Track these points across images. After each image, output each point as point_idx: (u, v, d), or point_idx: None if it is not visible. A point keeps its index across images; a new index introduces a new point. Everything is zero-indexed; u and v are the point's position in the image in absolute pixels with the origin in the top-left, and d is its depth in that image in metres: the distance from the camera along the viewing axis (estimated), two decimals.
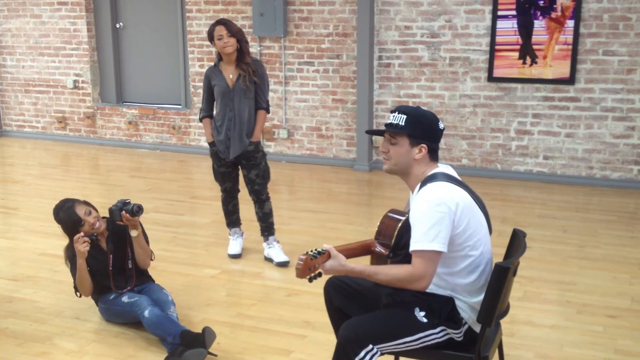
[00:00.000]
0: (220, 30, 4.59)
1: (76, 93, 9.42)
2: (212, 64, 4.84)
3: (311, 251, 2.61)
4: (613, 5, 6.66)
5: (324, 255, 2.62)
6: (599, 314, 4.10)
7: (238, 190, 5.03)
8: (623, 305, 4.21)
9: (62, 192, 6.57)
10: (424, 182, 2.67)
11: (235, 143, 4.75)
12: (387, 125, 2.75)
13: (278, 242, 5.02)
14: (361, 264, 2.68)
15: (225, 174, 4.91)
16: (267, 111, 4.89)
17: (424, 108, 2.81)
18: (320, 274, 2.65)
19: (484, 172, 7.40)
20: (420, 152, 2.69)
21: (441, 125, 2.74)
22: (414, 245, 2.58)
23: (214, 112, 4.88)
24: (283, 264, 4.87)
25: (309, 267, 2.59)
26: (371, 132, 2.88)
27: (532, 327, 3.94)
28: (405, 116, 2.68)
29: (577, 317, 4.06)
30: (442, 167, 2.75)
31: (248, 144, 4.77)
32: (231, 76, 4.71)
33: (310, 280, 2.64)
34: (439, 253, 2.57)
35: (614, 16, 6.68)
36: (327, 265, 2.61)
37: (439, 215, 2.55)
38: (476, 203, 2.69)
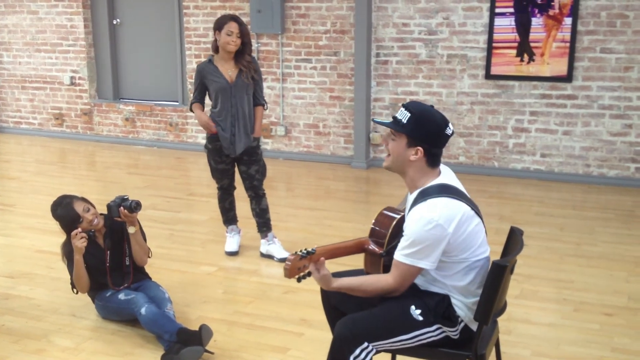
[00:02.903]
0: (233, 27, 4.57)
1: (73, 90, 9.40)
2: (206, 59, 4.81)
3: (300, 251, 2.61)
4: (611, 2, 6.66)
5: (313, 255, 2.61)
6: (595, 312, 4.10)
7: (234, 188, 5.03)
8: (620, 303, 4.22)
9: (59, 188, 6.53)
10: (423, 195, 2.61)
11: (240, 139, 4.74)
12: (393, 118, 2.67)
13: (275, 237, 5.02)
14: (342, 279, 2.69)
15: (224, 171, 4.90)
16: (265, 107, 4.90)
17: (436, 109, 2.68)
18: (309, 274, 2.65)
19: (481, 170, 7.40)
20: (415, 154, 2.60)
21: (449, 131, 2.62)
22: (402, 258, 2.58)
23: (211, 108, 4.86)
24: (285, 260, 4.85)
25: (297, 267, 2.59)
26: (378, 122, 2.74)
27: (529, 325, 3.94)
28: (409, 114, 2.59)
29: (574, 315, 4.06)
30: (443, 175, 2.69)
31: (253, 140, 4.78)
32: (230, 72, 4.69)
33: (299, 280, 2.64)
34: (422, 269, 2.60)
35: (612, 14, 6.68)
36: (316, 275, 2.65)
37: (434, 237, 2.53)
38: (475, 211, 2.65)
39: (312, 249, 2.63)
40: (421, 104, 2.69)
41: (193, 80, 4.85)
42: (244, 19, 7.90)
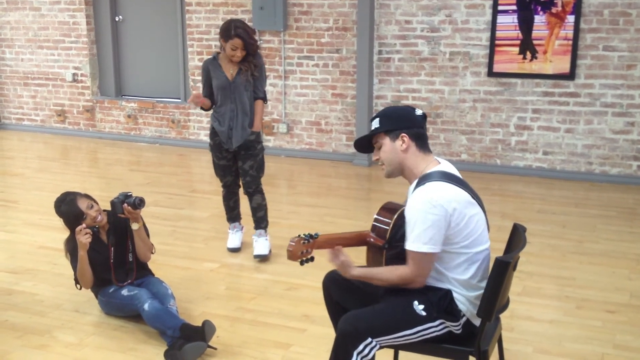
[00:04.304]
0: (238, 44, 4.55)
1: (75, 86, 9.40)
2: (211, 56, 4.83)
3: (303, 235, 2.62)
4: (613, 0, 6.66)
5: (317, 239, 2.63)
6: (597, 309, 4.11)
7: (239, 186, 5.03)
8: (622, 300, 4.22)
9: (62, 185, 6.56)
10: (422, 180, 2.67)
11: (237, 132, 4.75)
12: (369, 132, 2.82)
13: (264, 235, 4.96)
14: (361, 268, 2.73)
15: (226, 167, 4.91)
16: (265, 101, 4.90)
17: (401, 104, 2.83)
18: (312, 259, 2.68)
19: (483, 168, 7.40)
20: (403, 142, 2.70)
21: (418, 112, 2.75)
22: (408, 245, 2.63)
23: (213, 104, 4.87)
24: (259, 257, 4.87)
25: (300, 251, 2.61)
26: (361, 150, 2.88)
27: (532, 322, 3.95)
28: (378, 118, 2.76)
29: (576, 312, 4.07)
30: (442, 165, 2.74)
31: (250, 133, 4.78)
32: (231, 70, 4.71)
33: (302, 263, 2.66)
34: (432, 254, 2.61)
35: (614, 12, 6.68)
36: (336, 262, 2.68)
37: (434, 217, 2.56)
38: (476, 201, 2.69)
39: (315, 234, 2.64)
40: (384, 108, 2.87)
41: (201, 77, 4.88)
42: (246, 16, 7.99)
